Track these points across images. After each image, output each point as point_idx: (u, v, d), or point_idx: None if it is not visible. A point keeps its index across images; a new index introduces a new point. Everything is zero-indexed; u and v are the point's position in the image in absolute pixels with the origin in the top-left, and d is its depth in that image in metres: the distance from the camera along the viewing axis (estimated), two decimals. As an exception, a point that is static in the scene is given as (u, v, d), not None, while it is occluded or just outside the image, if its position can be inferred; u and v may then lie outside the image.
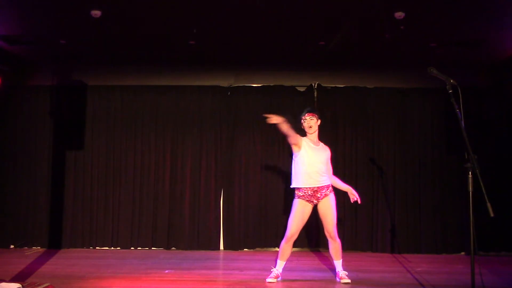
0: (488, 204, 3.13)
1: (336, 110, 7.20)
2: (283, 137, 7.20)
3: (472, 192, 3.32)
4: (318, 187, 4.65)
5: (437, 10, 5.07)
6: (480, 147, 6.48)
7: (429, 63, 3.89)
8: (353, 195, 4.79)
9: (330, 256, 4.91)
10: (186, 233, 7.06)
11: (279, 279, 4.73)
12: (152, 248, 7.04)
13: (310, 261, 6.15)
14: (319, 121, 4.83)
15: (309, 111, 4.82)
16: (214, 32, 5.89)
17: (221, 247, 7.07)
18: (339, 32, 5.69)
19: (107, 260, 6.07)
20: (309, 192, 4.64)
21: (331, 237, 4.72)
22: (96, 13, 5.08)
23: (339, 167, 7.11)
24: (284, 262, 4.77)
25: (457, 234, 6.85)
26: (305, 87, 7.26)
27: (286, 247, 4.72)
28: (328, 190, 4.71)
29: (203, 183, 7.14)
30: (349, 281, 4.67)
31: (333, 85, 7.25)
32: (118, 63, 7.17)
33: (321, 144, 4.87)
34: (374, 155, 7.10)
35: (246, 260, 6.23)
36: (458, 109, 3.36)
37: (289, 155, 7.09)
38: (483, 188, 3.15)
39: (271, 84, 7.27)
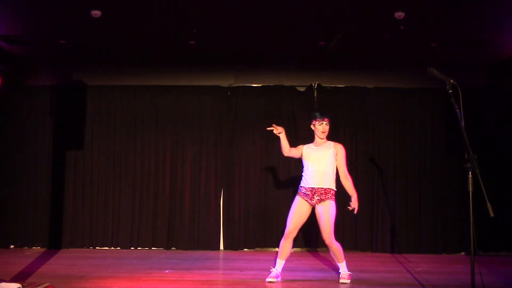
0: (488, 204, 3.13)
1: (336, 110, 7.19)
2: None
3: (472, 192, 3.32)
4: (314, 188, 4.65)
5: (437, 10, 5.07)
6: (480, 147, 6.48)
7: (429, 63, 3.88)
8: (354, 203, 4.68)
9: (332, 258, 4.92)
10: (186, 233, 7.06)
11: (279, 279, 4.72)
12: (152, 248, 7.04)
13: (310, 261, 6.15)
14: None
15: (327, 116, 4.78)
16: (214, 32, 5.89)
17: (221, 247, 7.07)
18: (339, 32, 5.70)
19: (107, 260, 6.07)
20: (306, 191, 4.67)
21: (326, 243, 4.71)
22: (96, 13, 5.08)
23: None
24: (284, 262, 4.75)
25: (457, 234, 6.85)
26: (305, 87, 7.26)
27: (284, 244, 4.71)
28: (326, 196, 4.62)
29: (203, 183, 7.14)
30: (347, 281, 4.66)
31: (333, 85, 7.25)
32: (118, 63, 7.17)
33: (327, 144, 4.79)
34: (374, 155, 7.10)
35: (246, 260, 6.22)
36: (458, 109, 3.35)
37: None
38: (483, 188, 3.14)
39: (271, 84, 7.27)
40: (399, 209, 7.00)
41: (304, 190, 4.69)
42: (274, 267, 4.76)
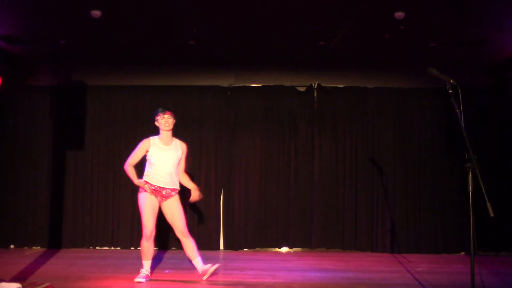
0: (488, 204, 3.13)
1: (336, 110, 7.20)
2: (283, 137, 7.23)
3: (472, 192, 3.33)
4: (164, 187, 4.77)
5: (437, 10, 5.07)
6: (480, 147, 6.47)
7: (429, 63, 3.89)
8: (195, 195, 4.85)
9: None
10: (186, 233, 7.05)
11: (148, 279, 4.73)
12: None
13: (310, 261, 6.15)
14: (174, 121, 4.92)
15: (169, 110, 4.91)
16: (214, 32, 5.89)
17: (221, 247, 7.07)
18: (339, 32, 5.69)
19: (107, 260, 6.07)
20: (156, 189, 4.76)
21: (184, 236, 4.81)
22: (96, 13, 5.08)
23: (339, 167, 7.13)
24: (150, 262, 4.82)
25: (457, 234, 6.85)
26: (305, 87, 7.25)
27: (148, 245, 4.80)
28: (174, 191, 4.81)
29: (203, 182, 7.11)
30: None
31: (333, 85, 7.24)
32: (118, 63, 7.16)
33: (175, 142, 4.91)
34: (374, 155, 7.10)
35: (246, 260, 6.22)
36: (458, 109, 3.36)
37: (289, 154, 7.14)
38: (483, 188, 3.15)
39: (271, 84, 7.27)
40: (399, 209, 6.99)
41: (153, 187, 4.75)
42: (142, 268, 4.77)
